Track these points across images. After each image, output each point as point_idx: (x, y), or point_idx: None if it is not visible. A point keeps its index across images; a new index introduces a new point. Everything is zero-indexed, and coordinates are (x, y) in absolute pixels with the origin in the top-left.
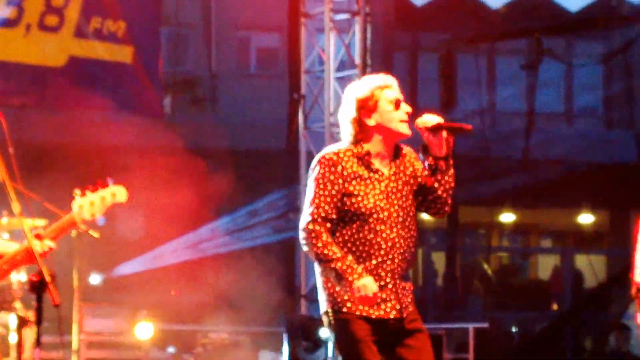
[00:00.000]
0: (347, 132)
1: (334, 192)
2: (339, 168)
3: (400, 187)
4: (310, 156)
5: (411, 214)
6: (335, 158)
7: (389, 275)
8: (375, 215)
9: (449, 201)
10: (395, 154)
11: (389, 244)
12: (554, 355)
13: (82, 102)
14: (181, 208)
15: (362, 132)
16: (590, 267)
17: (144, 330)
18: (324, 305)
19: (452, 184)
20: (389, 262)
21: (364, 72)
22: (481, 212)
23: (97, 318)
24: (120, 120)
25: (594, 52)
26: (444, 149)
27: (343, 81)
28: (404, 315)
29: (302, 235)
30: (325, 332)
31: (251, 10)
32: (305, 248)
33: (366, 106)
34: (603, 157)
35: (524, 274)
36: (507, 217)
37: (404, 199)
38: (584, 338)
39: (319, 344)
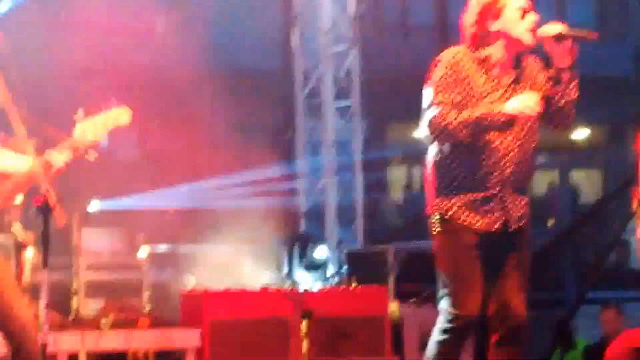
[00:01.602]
0: (467, 36)
1: (456, 93)
2: (460, 67)
3: (518, 94)
4: (306, 74)
5: (528, 125)
6: (456, 58)
7: (498, 185)
8: None
9: (572, 112)
10: (517, 63)
11: (500, 153)
12: (555, 270)
13: None
14: (178, 133)
15: (484, 37)
16: (588, 182)
17: (144, 251)
18: (429, 207)
19: (576, 95)
20: (498, 171)
21: None
22: None
23: (96, 240)
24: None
25: None
26: (568, 59)
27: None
28: (512, 228)
29: (430, 131)
30: (321, 253)
31: None
32: (441, 140)
33: (492, 10)
34: (600, 70)
35: None
36: None
37: None
38: (584, 253)
39: (317, 264)
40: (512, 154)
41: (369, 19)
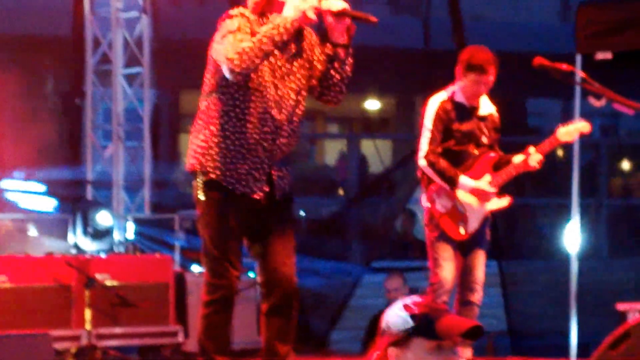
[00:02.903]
0: (251, 0)
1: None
2: (248, 24)
3: (295, 69)
4: (96, 43)
5: (301, 98)
6: (241, 16)
7: (267, 155)
8: (265, 92)
9: (344, 90)
10: (297, 35)
11: (276, 124)
12: (341, 239)
13: None
14: None
15: (268, 5)
16: (377, 152)
17: None
18: (193, 164)
19: (349, 74)
20: (270, 141)
21: None
22: None
23: None
24: None
25: None
26: (345, 37)
27: None
28: (277, 198)
29: (230, 60)
30: (104, 220)
31: None
32: (236, 70)
33: None
34: (390, 42)
35: (311, 160)
36: None
37: (297, 81)
38: (370, 222)
39: (101, 231)
40: (285, 127)
41: None
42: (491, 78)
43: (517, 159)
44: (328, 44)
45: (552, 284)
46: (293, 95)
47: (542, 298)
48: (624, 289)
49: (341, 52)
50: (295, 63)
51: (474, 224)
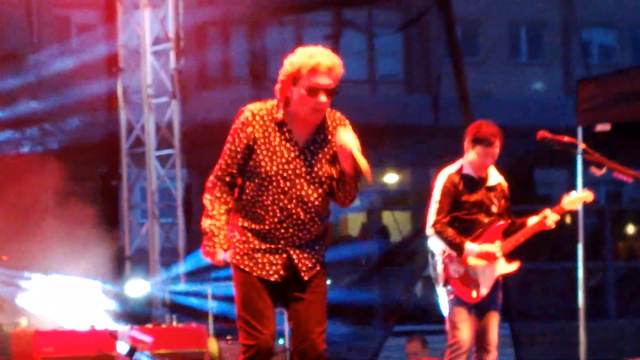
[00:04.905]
0: (277, 92)
1: (239, 149)
2: (249, 129)
3: (312, 159)
4: (130, 125)
5: (317, 187)
6: (249, 118)
7: (281, 242)
8: (275, 183)
9: (347, 202)
10: (317, 128)
11: (285, 213)
12: (364, 306)
13: None
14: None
15: (285, 98)
16: (395, 223)
17: None
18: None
19: (354, 194)
20: (282, 230)
21: (178, 46)
22: None
23: None
24: None
25: (392, 21)
26: (350, 166)
27: (158, 55)
28: (305, 278)
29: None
30: (143, 291)
31: None
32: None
33: (290, 76)
34: (404, 119)
35: (335, 231)
36: None
37: (313, 173)
38: (391, 289)
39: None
40: (297, 215)
41: (194, 71)
42: (497, 150)
43: (533, 220)
44: (338, 166)
45: (562, 343)
46: (306, 186)
47: (553, 357)
48: (631, 347)
49: (347, 178)
50: (312, 154)
51: (485, 287)
